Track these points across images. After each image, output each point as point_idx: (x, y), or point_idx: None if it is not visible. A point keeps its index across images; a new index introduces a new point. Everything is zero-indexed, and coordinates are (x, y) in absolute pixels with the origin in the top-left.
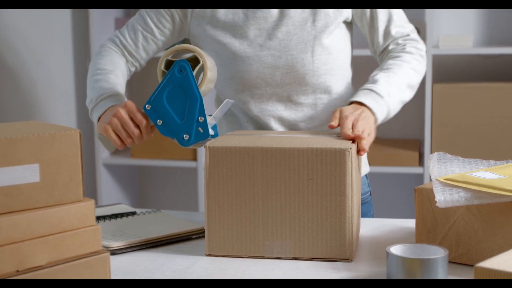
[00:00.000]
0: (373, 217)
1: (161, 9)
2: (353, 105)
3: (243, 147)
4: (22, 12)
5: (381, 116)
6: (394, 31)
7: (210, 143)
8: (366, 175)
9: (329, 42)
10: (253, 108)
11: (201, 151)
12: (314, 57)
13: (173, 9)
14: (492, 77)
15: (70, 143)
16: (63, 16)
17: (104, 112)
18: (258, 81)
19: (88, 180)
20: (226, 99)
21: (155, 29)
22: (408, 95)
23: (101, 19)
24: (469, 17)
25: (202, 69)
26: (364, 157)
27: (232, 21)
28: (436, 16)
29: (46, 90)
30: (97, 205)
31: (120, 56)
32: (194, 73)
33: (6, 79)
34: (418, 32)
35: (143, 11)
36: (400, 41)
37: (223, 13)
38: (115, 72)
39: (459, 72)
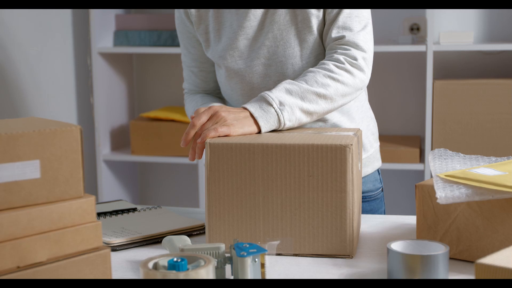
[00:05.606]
0: (384, 213)
1: (188, 44)
2: (239, 109)
3: (243, 143)
4: (22, 10)
5: (266, 124)
6: (334, 31)
7: (210, 140)
8: (378, 170)
9: (317, 41)
10: None
11: None
12: (303, 61)
13: (194, 37)
14: (493, 74)
15: (71, 139)
16: (64, 13)
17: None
18: (253, 92)
19: (88, 177)
20: None
21: (199, 62)
22: (319, 106)
23: (101, 16)
24: (470, 13)
25: None
26: (376, 152)
27: (227, 37)
28: (437, 13)
29: (47, 87)
30: (97, 202)
31: (197, 93)
32: None
33: (7, 76)
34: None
35: (182, 53)
36: (334, 45)
37: (225, 27)
38: (199, 99)
39: (460, 69)
